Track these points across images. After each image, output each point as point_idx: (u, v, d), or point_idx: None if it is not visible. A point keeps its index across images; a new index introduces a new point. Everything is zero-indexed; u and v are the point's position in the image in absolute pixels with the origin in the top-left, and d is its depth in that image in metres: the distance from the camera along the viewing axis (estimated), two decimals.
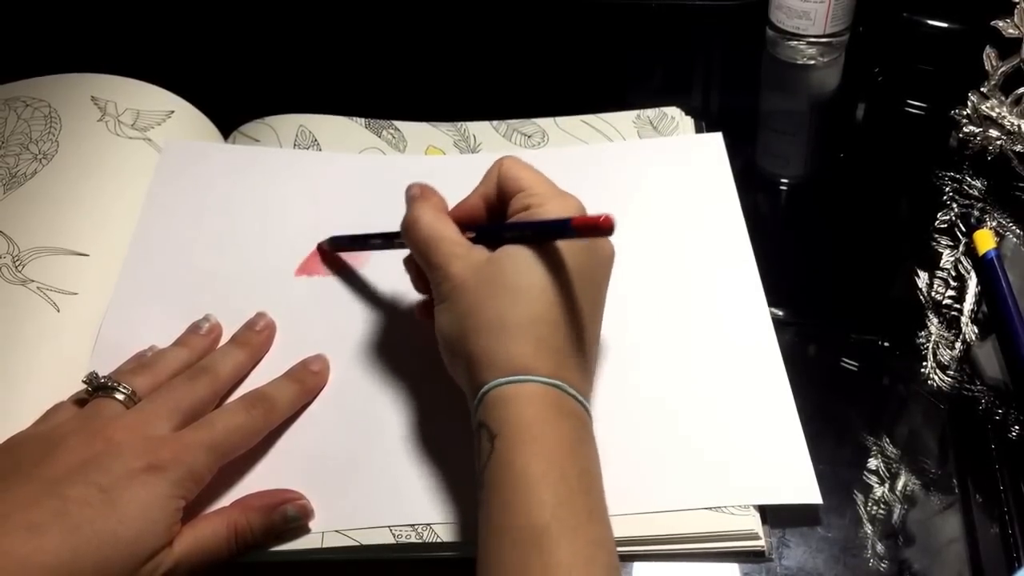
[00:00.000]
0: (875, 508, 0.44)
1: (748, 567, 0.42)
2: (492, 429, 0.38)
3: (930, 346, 0.52)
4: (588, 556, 0.35)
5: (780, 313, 0.51)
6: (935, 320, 0.53)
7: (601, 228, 0.38)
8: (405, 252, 0.47)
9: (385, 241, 0.50)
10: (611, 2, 0.79)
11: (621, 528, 0.38)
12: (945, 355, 0.51)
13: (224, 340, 0.49)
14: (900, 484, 0.45)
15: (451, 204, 0.46)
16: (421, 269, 0.45)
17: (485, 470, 0.38)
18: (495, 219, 0.45)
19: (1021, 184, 0.61)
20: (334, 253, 0.54)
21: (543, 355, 0.39)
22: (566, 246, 0.41)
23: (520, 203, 0.43)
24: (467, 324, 0.40)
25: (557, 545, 0.35)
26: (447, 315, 0.42)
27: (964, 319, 0.53)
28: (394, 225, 0.54)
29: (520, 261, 0.40)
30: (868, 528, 0.44)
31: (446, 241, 0.43)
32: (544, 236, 0.41)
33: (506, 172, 0.44)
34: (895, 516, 0.44)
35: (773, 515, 0.43)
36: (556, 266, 0.40)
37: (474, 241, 0.43)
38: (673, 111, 0.64)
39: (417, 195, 0.46)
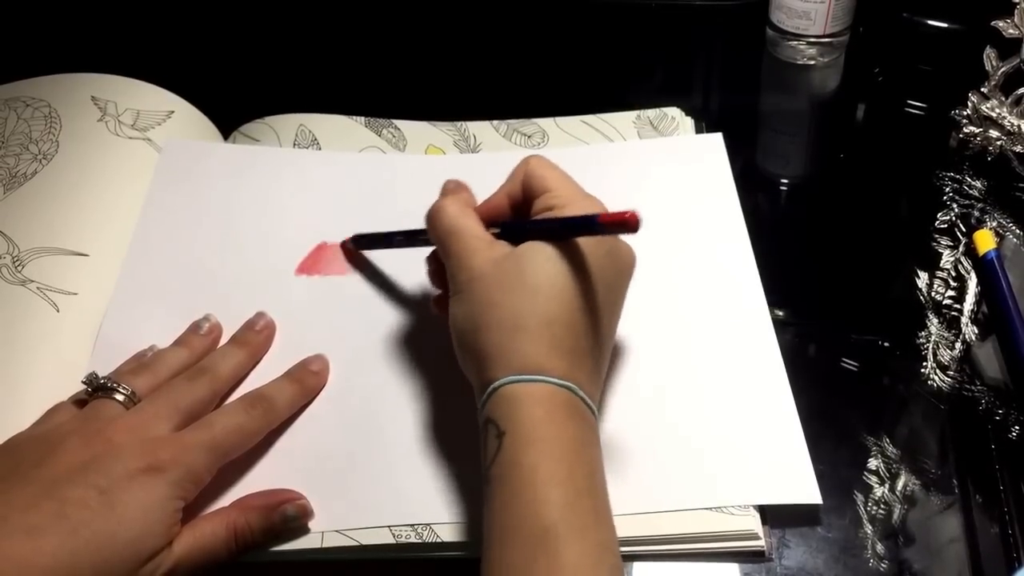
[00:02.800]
0: (875, 508, 0.44)
1: (748, 567, 0.42)
2: (500, 426, 0.38)
3: (930, 346, 0.52)
4: (595, 558, 0.35)
5: (780, 313, 0.51)
6: (935, 320, 0.53)
7: (628, 224, 0.38)
8: (427, 250, 0.47)
9: (409, 238, 0.50)
10: (611, 2, 0.79)
11: (621, 528, 0.38)
12: (945, 355, 0.51)
13: (224, 340, 0.49)
14: (900, 484, 0.45)
15: None
16: (440, 263, 0.44)
17: (491, 467, 0.37)
18: (519, 218, 0.45)
19: (1021, 184, 0.61)
20: (358, 251, 0.54)
21: (556, 356, 0.39)
22: (589, 249, 0.41)
23: (545, 203, 0.43)
24: (482, 318, 0.40)
25: (564, 545, 0.34)
26: (462, 307, 0.41)
27: (964, 319, 0.53)
28: (395, 223, 0.54)
29: (542, 258, 0.40)
30: (868, 528, 0.44)
31: (467, 234, 0.43)
32: (570, 232, 0.41)
33: (532, 171, 0.44)
34: (895, 516, 0.44)
35: (773, 515, 0.43)
36: (577, 267, 0.40)
37: (498, 237, 0.43)
38: (673, 111, 0.64)
39: (450, 189, 0.46)
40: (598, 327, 0.41)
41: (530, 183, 0.44)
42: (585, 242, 0.41)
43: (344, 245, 0.55)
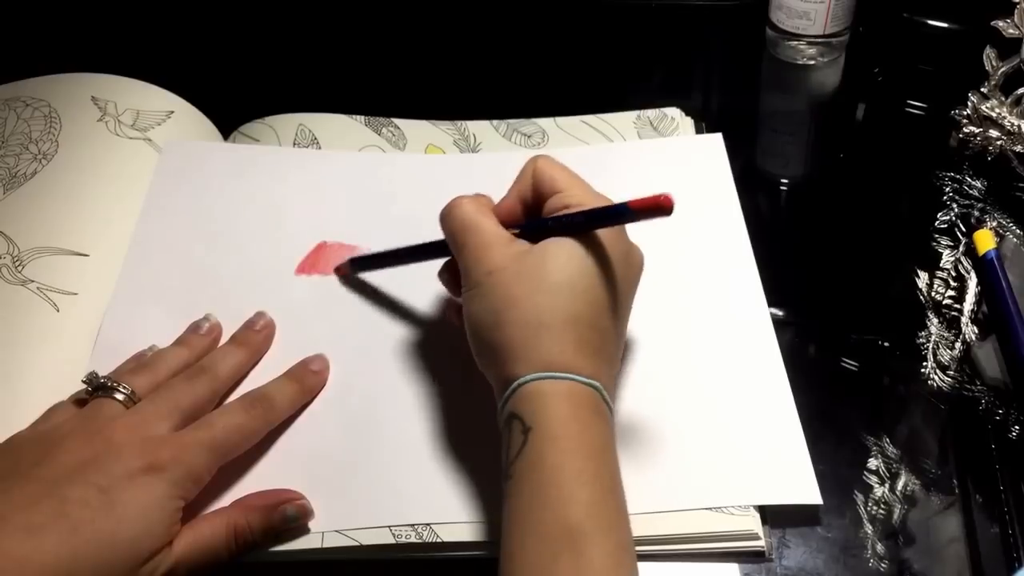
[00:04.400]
0: (875, 508, 0.44)
1: (748, 567, 0.42)
2: (526, 422, 0.37)
3: (930, 346, 0.52)
4: (618, 559, 0.35)
5: (780, 313, 0.51)
6: (935, 320, 0.53)
7: (662, 207, 0.37)
8: (434, 264, 0.47)
9: (412, 254, 0.49)
10: (611, 2, 0.79)
11: None
12: (945, 355, 0.51)
13: (224, 340, 0.49)
14: (900, 484, 0.45)
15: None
16: (456, 272, 0.44)
17: (515, 462, 0.37)
18: (533, 219, 0.44)
19: (1021, 184, 0.61)
20: (355, 275, 0.53)
21: (583, 355, 0.39)
22: (610, 248, 0.41)
23: (559, 202, 0.42)
24: (503, 314, 0.40)
25: (590, 545, 0.34)
26: (480, 302, 0.41)
27: (964, 319, 0.53)
28: (394, 222, 0.54)
29: (566, 256, 0.40)
30: (868, 528, 0.44)
31: (484, 228, 0.42)
32: (598, 224, 0.40)
33: (541, 172, 0.43)
34: (895, 516, 0.44)
35: (773, 515, 0.43)
36: (599, 266, 0.40)
37: (519, 237, 0.43)
38: (673, 112, 0.64)
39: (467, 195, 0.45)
40: (617, 327, 0.41)
41: (541, 184, 0.43)
42: (607, 242, 0.41)
43: (339, 270, 0.53)
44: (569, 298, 0.39)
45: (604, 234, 0.41)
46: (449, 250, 0.45)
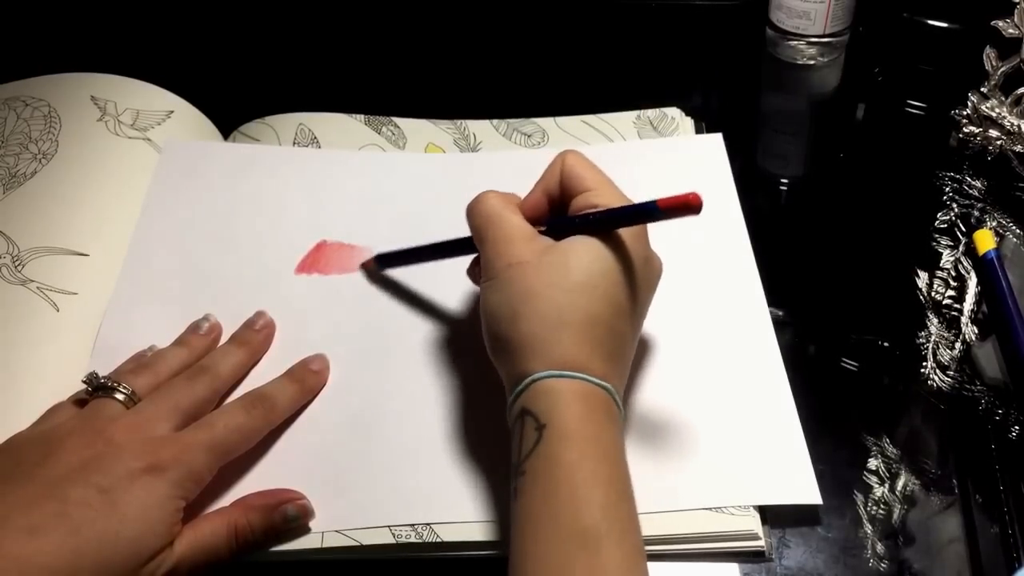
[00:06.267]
0: (875, 508, 0.44)
1: (748, 567, 0.42)
2: (540, 419, 0.37)
3: (930, 346, 0.52)
4: (632, 563, 0.35)
5: (780, 313, 0.51)
6: (935, 320, 0.53)
7: (691, 205, 0.37)
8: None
9: (438, 251, 0.49)
10: (611, 2, 0.79)
11: None
12: (945, 355, 0.51)
13: (224, 340, 0.49)
14: (900, 484, 0.45)
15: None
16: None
17: (528, 460, 0.37)
18: (558, 215, 0.44)
19: (1021, 184, 0.61)
20: (380, 272, 0.53)
21: (598, 357, 0.39)
22: (632, 251, 0.40)
23: (587, 201, 0.42)
24: (521, 308, 0.39)
25: (605, 548, 0.34)
26: (498, 295, 0.41)
27: (964, 319, 0.53)
28: (395, 221, 0.54)
29: (590, 256, 0.40)
30: (868, 528, 0.44)
31: (507, 222, 0.42)
32: (625, 222, 0.40)
33: (570, 170, 0.43)
34: (895, 516, 0.44)
35: (773, 515, 0.43)
36: (621, 269, 0.40)
37: (545, 234, 0.43)
38: (673, 111, 0.64)
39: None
40: (632, 333, 0.41)
41: (569, 181, 0.43)
42: (630, 246, 0.41)
43: (365, 266, 0.53)
44: (589, 298, 0.39)
45: (628, 238, 0.41)
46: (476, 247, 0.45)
